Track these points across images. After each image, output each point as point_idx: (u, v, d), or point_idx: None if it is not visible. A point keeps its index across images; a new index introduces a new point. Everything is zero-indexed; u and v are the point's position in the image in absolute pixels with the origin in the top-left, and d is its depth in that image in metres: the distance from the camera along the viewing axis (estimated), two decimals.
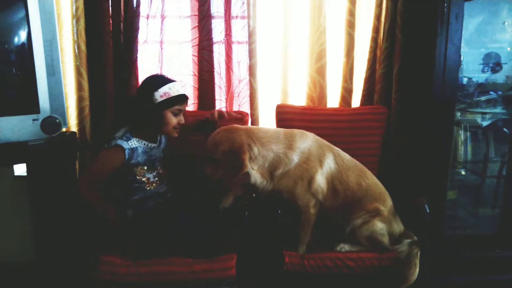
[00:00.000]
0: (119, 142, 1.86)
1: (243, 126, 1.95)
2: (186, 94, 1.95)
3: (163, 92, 1.84)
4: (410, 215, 2.01)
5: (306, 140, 1.93)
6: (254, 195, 2.10)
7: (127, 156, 1.87)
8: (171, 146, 2.13)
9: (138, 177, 1.95)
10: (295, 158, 1.88)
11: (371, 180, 1.97)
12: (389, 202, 1.97)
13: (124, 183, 1.95)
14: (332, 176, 1.91)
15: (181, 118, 1.94)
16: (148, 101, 1.86)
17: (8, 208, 2.42)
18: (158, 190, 2.01)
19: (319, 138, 1.99)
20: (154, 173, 2.01)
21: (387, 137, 2.34)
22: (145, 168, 1.96)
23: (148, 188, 1.98)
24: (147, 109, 1.87)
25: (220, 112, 2.12)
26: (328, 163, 1.92)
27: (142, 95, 1.90)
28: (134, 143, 1.90)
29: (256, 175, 1.87)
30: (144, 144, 1.95)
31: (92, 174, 1.88)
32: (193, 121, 2.16)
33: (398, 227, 1.97)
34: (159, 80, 1.90)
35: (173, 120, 1.90)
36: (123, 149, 1.86)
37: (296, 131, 1.96)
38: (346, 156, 1.99)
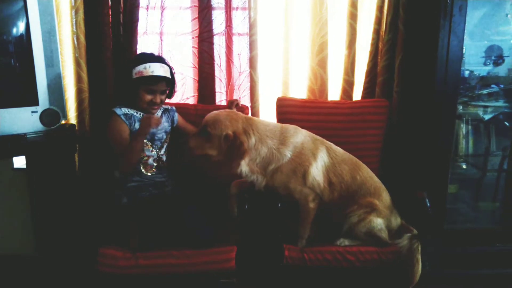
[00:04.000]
0: (113, 109, 1.95)
1: (244, 115, 1.95)
2: (166, 76, 1.96)
3: (138, 71, 1.91)
4: (411, 209, 2.00)
5: (299, 135, 1.92)
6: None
7: (126, 122, 1.93)
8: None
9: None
10: (288, 153, 1.87)
11: (366, 173, 1.96)
12: (385, 196, 1.96)
13: None
14: (327, 169, 1.90)
15: (156, 97, 1.96)
16: (127, 77, 1.94)
17: (8, 200, 2.42)
18: (155, 178, 2.00)
19: (311, 133, 1.98)
20: (155, 155, 2.01)
21: (389, 131, 2.33)
22: (144, 140, 1.96)
23: (144, 172, 1.98)
24: (126, 84, 1.96)
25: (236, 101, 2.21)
26: (322, 157, 1.91)
27: (125, 70, 1.98)
28: (127, 110, 1.97)
29: (244, 168, 1.87)
30: (139, 114, 1.99)
31: (119, 153, 1.92)
32: None
33: (396, 221, 1.96)
34: (140, 58, 1.97)
35: (146, 98, 1.94)
36: (118, 115, 1.94)
37: (290, 126, 1.96)
38: (338, 149, 1.98)
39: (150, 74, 1.90)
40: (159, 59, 1.98)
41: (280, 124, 1.97)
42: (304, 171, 1.87)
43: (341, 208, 1.93)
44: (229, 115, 1.87)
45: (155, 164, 2.01)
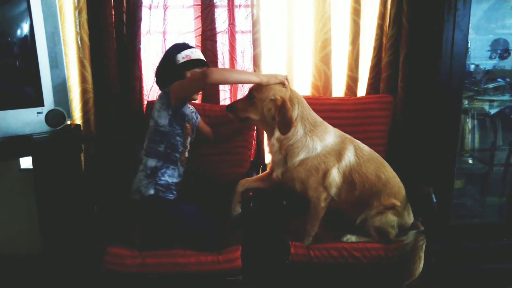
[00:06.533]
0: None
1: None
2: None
3: (185, 55, 1.97)
4: (417, 205, 1.99)
5: (331, 135, 1.92)
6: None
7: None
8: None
9: (184, 139, 1.96)
10: (319, 147, 1.87)
11: (390, 173, 1.95)
12: (404, 195, 1.95)
13: (168, 145, 1.92)
14: (351, 168, 1.89)
15: None
16: (171, 62, 1.97)
17: (15, 201, 2.44)
18: (181, 172, 1.99)
19: (341, 132, 1.98)
20: (188, 147, 2.02)
21: (393, 126, 2.32)
22: (188, 127, 1.98)
23: (179, 163, 1.96)
24: (170, 69, 1.97)
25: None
26: (348, 156, 1.89)
27: (167, 57, 2.02)
28: None
29: (274, 141, 1.88)
30: None
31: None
32: None
33: (410, 219, 1.96)
34: (183, 45, 2.03)
35: None
36: None
37: (326, 123, 1.96)
38: (365, 148, 1.97)
39: (198, 57, 1.98)
40: (194, 47, 2.07)
41: (320, 118, 1.97)
42: (326, 169, 1.86)
43: (360, 205, 1.92)
44: (279, 88, 1.87)
45: (187, 156, 2.02)
